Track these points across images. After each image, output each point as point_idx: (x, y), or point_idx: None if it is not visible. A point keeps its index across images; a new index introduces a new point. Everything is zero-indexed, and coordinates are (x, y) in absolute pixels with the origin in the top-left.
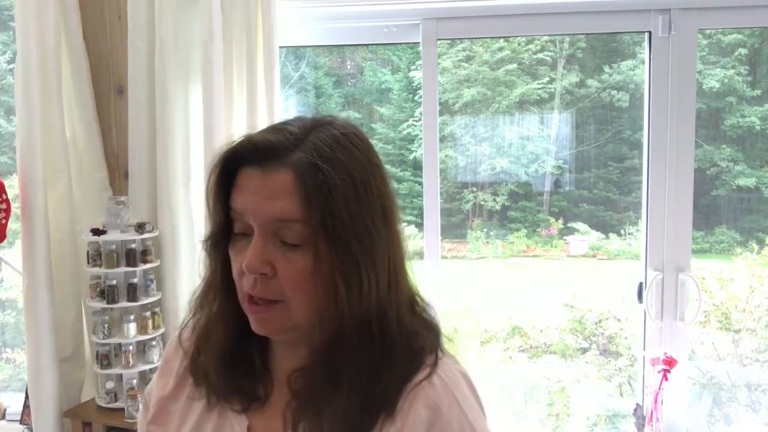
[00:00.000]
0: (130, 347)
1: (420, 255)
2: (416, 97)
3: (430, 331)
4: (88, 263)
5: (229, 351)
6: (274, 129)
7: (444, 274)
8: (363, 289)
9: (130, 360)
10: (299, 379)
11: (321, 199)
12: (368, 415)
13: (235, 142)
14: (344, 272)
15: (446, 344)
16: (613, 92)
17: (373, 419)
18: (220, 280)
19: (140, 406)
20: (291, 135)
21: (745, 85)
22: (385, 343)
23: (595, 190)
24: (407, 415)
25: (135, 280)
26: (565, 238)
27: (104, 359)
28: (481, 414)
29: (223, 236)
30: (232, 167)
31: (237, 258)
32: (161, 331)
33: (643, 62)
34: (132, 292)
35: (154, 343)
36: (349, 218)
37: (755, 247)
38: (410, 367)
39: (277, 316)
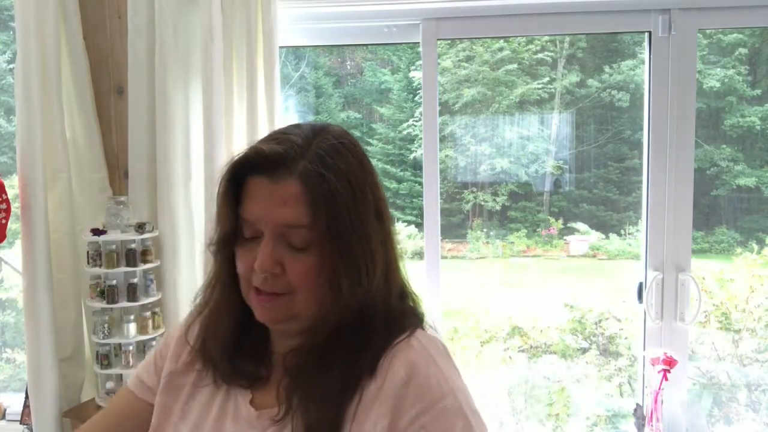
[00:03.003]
0: (130, 347)
1: (420, 255)
2: (416, 97)
3: (415, 315)
4: (88, 263)
5: (232, 339)
6: (279, 139)
7: (444, 274)
8: (363, 284)
9: (130, 360)
10: (293, 358)
11: (326, 206)
12: (352, 381)
13: (244, 152)
14: (347, 270)
15: (429, 330)
16: (614, 92)
17: (356, 383)
18: (227, 278)
19: (146, 363)
20: (295, 144)
21: (745, 85)
22: (370, 325)
23: (595, 190)
24: (386, 373)
25: (135, 280)
26: (565, 238)
27: (104, 359)
28: (458, 372)
29: (231, 240)
30: (239, 176)
31: (245, 257)
32: (161, 331)
33: (643, 62)
34: (132, 292)
35: (154, 343)
36: (350, 221)
37: (755, 247)
38: (391, 334)
39: (282, 306)
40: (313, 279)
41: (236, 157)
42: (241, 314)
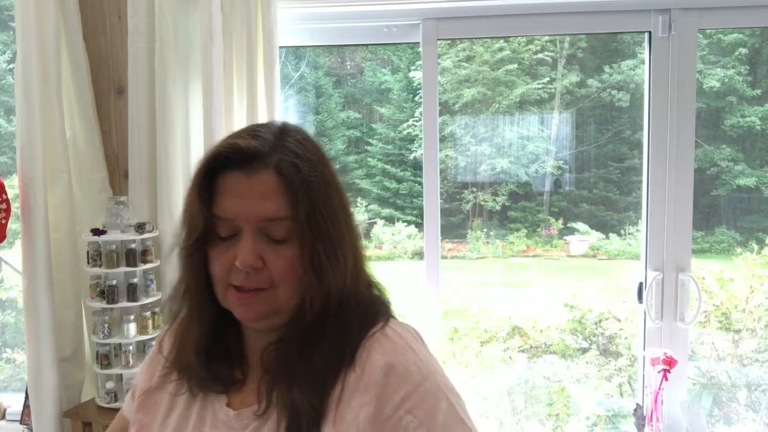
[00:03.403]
0: (130, 347)
1: (420, 255)
2: (416, 97)
3: (383, 303)
4: (88, 263)
5: (204, 345)
6: (251, 134)
7: (444, 274)
8: (341, 268)
9: (130, 360)
10: (271, 352)
11: (303, 196)
12: (331, 373)
13: (218, 148)
14: (328, 255)
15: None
16: (614, 92)
17: (335, 374)
18: (198, 282)
19: (127, 395)
20: (268, 139)
21: (745, 85)
22: (345, 314)
23: (595, 190)
24: (365, 363)
25: (135, 280)
26: (565, 238)
27: (104, 359)
28: (433, 356)
29: (204, 240)
30: (211, 174)
31: (222, 256)
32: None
33: (643, 62)
34: (132, 292)
35: (153, 343)
36: (325, 210)
37: (755, 247)
38: (365, 324)
39: (263, 301)
40: (295, 271)
41: (210, 154)
42: (212, 320)
